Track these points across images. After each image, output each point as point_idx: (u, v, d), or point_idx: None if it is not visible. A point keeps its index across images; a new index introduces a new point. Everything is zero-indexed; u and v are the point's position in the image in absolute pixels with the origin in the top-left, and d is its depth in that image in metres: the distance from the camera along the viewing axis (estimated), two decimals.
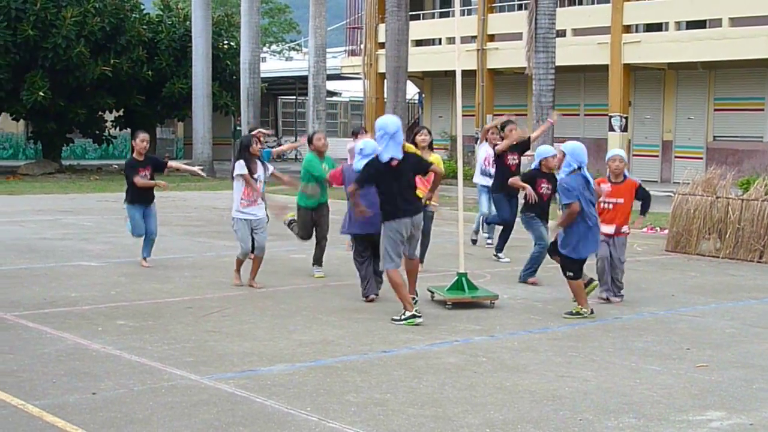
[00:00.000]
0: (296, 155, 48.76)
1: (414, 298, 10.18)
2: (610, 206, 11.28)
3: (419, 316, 9.80)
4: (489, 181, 15.44)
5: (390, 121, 10.15)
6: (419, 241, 10.94)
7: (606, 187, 11.11)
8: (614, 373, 7.96)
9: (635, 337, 9.40)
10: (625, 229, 11.41)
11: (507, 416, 6.73)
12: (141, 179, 13.25)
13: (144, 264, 13.42)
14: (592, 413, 6.83)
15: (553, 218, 11.86)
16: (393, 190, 9.96)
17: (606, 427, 6.53)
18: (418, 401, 7.04)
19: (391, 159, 9.94)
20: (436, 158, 12.59)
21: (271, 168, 12.06)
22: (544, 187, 12.42)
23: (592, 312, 10.34)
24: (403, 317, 9.81)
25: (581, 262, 10.42)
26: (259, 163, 11.78)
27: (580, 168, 10.32)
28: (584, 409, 6.93)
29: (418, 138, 13.01)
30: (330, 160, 12.77)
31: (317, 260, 12.82)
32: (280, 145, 50.89)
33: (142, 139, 13.40)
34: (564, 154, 10.42)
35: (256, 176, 11.67)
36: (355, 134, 14.69)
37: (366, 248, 11.06)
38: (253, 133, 13.33)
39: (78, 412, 6.62)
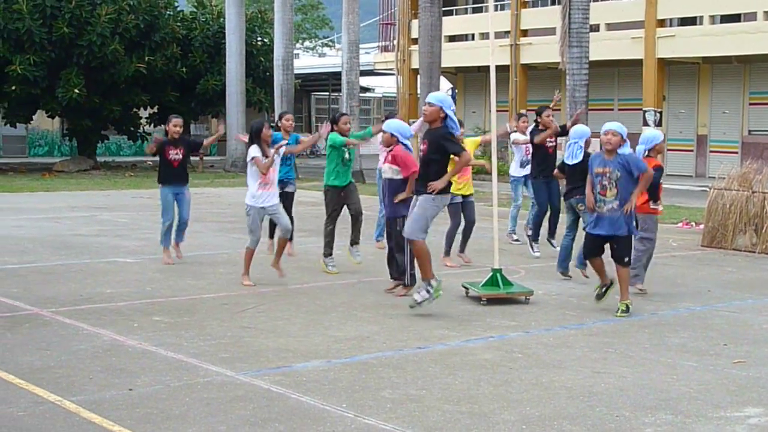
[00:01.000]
0: (310, 151, 48.63)
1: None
2: None
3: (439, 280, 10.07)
4: (527, 171, 15.49)
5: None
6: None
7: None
8: (651, 370, 7.91)
9: (671, 333, 9.34)
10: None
11: (543, 412, 6.70)
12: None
13: (177, 248, 13.47)
14: (629, 410, 6.79)
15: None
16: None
17: (643, 424, 6.49)
18: (454, 397, 7.03)
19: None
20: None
21: (282, 149, 12.10)
22: (549, 142, 13.56)
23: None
24: (430, 291, 9.89)
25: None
26: (269, 148, 11.85)
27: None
28: (621, 405, 6.89)
29: None
30: (355, 134, 12.82)
31: (355, 240, 12.79)
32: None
33: (174, 124, 13.39)
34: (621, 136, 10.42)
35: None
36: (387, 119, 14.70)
37: None
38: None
39: (115, 408, 6.66)
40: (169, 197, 13.38)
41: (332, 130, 12.88)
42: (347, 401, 6.88)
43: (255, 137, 11.76)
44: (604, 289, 10.55)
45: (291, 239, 13.83)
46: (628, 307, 10.14)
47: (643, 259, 11.45)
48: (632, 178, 10.18)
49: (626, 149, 10.39)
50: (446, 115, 10.02)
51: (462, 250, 13.73)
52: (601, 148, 10.42)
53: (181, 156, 13.41)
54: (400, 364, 7.98)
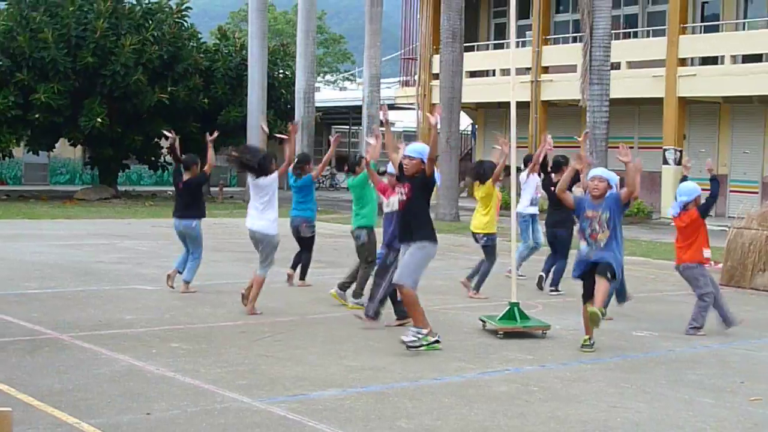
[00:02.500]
0: (330, 183, 48.82)
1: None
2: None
3: (439, 341, 9.81)
4: (536, 210, 15.55)
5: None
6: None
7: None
8: (667, 405, 7.91)
9: (688, 370, 9.33)
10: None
11: None
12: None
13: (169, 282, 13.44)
14: None
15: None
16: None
17: None
18: (469, 429, 7.04)
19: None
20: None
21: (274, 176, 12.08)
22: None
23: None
24: (423, 340, 9.70)
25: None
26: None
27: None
28: None
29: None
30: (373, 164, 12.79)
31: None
32: (333, 175, 51.21)
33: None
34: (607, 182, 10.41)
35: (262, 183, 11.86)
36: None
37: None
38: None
39: (133, 431, 6.70)
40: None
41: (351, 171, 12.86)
42: (363, 430, 6.91)
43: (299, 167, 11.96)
44: (591, 341, 10.40)
45: (305, 273, 13.98)
46: (603, 313, 10.01)
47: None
48: (620, 207, 10.21)
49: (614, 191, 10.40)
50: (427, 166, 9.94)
51: (470, 279, 13.80)
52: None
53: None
54: (415, 394, 8.00)
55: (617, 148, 11.75)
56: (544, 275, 14.46)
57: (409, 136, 55.47)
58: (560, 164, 14.20)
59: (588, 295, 10.13)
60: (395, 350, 9.74)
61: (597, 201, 10.22)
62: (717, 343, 10.85)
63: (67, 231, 22.26)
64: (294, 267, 14.30)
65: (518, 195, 14.23)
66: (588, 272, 10.17)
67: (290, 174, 13.82)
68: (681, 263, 11.55)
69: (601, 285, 9.99)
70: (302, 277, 14.26)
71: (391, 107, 45.59)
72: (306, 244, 14.21)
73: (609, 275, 9.99)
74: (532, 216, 15.57)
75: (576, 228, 10.83)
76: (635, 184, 10.20)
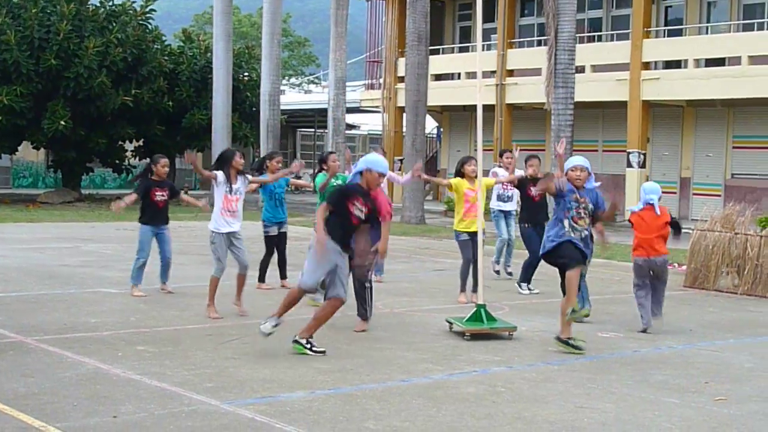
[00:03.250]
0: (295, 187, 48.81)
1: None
2: None
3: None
4: (507, 206, 15.73)
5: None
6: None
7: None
8: (633, 405, 7.96)
9: (654, 370, 9.39)
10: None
11: None
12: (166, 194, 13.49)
13: (165, 288, 13.50)
14: None
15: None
16: None
17: None
18: (437, 430, 7.05)
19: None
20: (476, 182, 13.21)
21: (249, 177, 12.19)
22: (533, 189, 13.62)
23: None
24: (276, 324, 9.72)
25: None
26: (239, 177, 11.94)
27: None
28: None
29: (468, 168, 13.32)
30: (343, 177, 12.81)
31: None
32: (299, 177, 51.19)
33: (163, 165, 13.50)
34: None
35: (235, 187, 11.83)
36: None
37: None
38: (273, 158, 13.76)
39: None
40: (149, 235, 13.42)
41: (321, 170, 13.05)
42: (331, 431, 6.90)
43: (223, 163, 11.82)
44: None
45: (285, 275, 14.01)
46: (574, 310, 10.18)
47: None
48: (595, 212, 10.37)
49: (592, 183, 10.53)
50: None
51: (474, 289, 13.75)
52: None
53: (166, 197, 13.50)
54: (383, 396, 8.01)
55: (583, 151, 11.89)
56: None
57: (374, 139, 55.63)
58: (529, 158, 14.80)
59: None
60: (363, 352, 9.76)
61: (581, 189, 10.35)
62: (682, 344, 10.93)
63: (30, 234, 22.10)
64: (283, 276, 14.53)
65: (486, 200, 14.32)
66: (568, 255, 10.25)
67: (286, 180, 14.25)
68: (662, 255, 11.66)
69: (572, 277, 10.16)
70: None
71: (357, 110, 45.74)
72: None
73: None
74: (503, 212, 15.78)
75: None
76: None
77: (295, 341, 9.66)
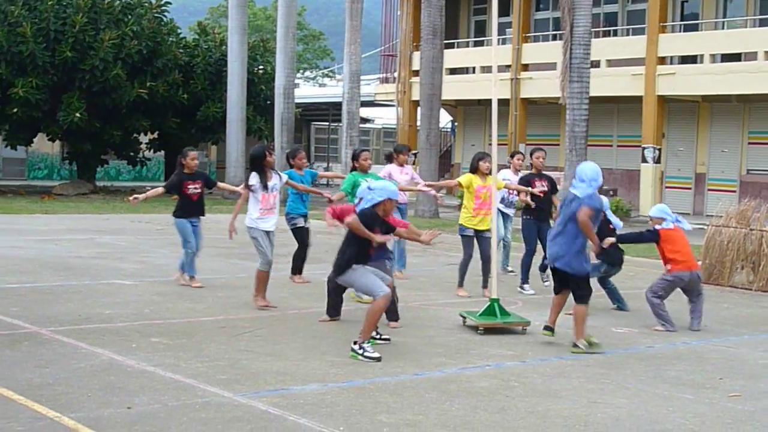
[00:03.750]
0: (328, 182, 48.96)
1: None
2: None
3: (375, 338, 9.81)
4: (508, 210, 15.65)
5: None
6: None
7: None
8: (647, 401, 7.94)
9: (668, 366, 9.38)
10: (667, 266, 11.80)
11: None
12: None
13: (195, 284, 13.44)
14: None
15: None
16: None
17: None
18: (450, 423, 7.06)
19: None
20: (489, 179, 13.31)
21: (285, 177, 12.28)
22: (538, 185, 13.90)
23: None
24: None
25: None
26: (273, 173, 12.00)
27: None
28: None
29: (483, 165, 13.32)
30: (375, 176, 12.81)
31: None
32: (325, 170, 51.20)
33: (192, 158, 13.59)
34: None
35: (270, 184, 11.89)
36: (388, 158, 14.88)
37: None
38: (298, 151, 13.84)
39: (113, 425, 6.69)
40: (187, 226, 13.48)
41: (354, 168, 13.12)
42: (344, 424, 6.91)
43: (256, 163, 11.88)
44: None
45: (300, 271, 13.97)
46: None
47: None
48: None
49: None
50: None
51: (485, 285, 13.71)
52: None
53: (199, 190, 13.53)
54: (396, 389, 8.02)
55: (597, 146, 11.93)
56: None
57: (388, 133, 55.63)
58: (534, 151, 14.73)
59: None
60: (377, 346, 9.73)
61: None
62: (696, 340, 10.91)
63: (46, 226, 22.16)
64: (298, 272, 14.48)
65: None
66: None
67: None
68: (699, 269, 11.91)
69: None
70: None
71: (371, 104, 45.71)
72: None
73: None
74: (502, 213, 15.60)
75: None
76: None
77: (353, 349, 9.34)
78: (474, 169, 13.56)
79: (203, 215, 13.83)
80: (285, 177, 12.47)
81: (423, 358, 9.33)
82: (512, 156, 15.96)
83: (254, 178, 11.86)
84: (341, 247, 9.74)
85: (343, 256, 9.64)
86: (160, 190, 13.64)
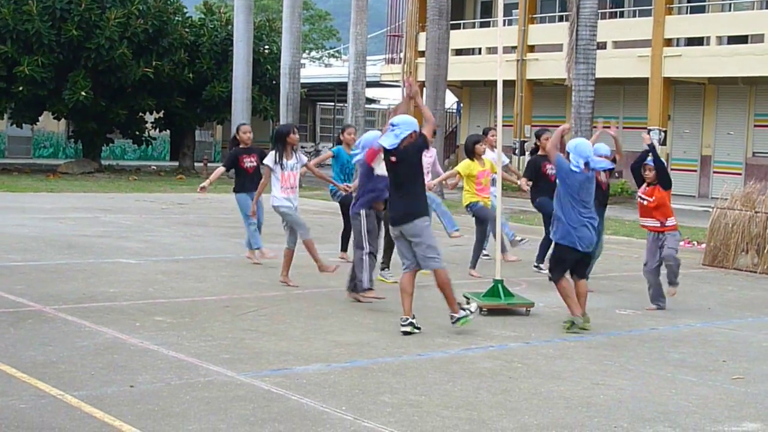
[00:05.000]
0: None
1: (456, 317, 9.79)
2: (645, 203, 11.65)
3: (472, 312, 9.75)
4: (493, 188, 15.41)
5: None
6: None
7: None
8: (649, 383, 7.94)
9: (671, 348, 9.38)
10: (670, 221, 11.62)
11: (541, 421, 6.73)
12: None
13: (268, 255, 13.44)
14: (627, 421, 6.82)
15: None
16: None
17: None
18: (453, 404, 7.06)
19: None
20: (487, 162, 13.57)
21: (304, 159, 12.31)
22: (549, 168, 13.35)
23: (585, 317, 10.13)
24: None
25: (571, 259, 10.22)
26: (293, 153, 12.07)
27: (587, 164, 10.15)
28: (619, 417, 6.93)
29: (479, 148, 13.38)
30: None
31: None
32: (318, 151, 51.20)
33: (245, 131, 13.76)
34: (569, 155, 10.27)
35: (290, 163, 12.01)
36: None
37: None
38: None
39: (116, 403, 6.70)
40: (247, 200, 13.46)
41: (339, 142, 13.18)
42: (347, 404, 6.92)
43: (279, 142, 11.94)
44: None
45: (346, 248, 13.99)
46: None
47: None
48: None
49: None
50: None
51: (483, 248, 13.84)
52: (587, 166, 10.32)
53: (255, 163, 13.55)
54: (399, 369, 8.02)
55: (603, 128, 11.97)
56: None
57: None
58: (542, 132, 14.32)
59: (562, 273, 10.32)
60: (380, 326, 9.76)
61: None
62: (699, 322, 10.90)
63: (51, 204, 22.18)
64: (344, 248, 14.40)
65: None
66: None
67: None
68: None
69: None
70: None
71: (377, 84, 45.62)
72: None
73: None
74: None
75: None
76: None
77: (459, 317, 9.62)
78: (470, 153, 13.56)
79: None
80: (305, 159, 12.46)
81: (426, 338, 9.33)
82: (485, 133, 15.39)
83: (269, 158, 11.92)
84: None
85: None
86: (221, 169, 13.73)
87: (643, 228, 11.91)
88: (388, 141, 9.55)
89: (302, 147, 49.81)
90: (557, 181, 10.27)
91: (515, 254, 14.10)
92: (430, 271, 9.76)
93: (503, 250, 13.54)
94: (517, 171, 15.79)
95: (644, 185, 11.73)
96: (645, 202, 11.64)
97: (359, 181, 11.32)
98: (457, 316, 9.60)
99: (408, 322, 9.45)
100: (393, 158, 9.58)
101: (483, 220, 13.57)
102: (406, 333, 9.36)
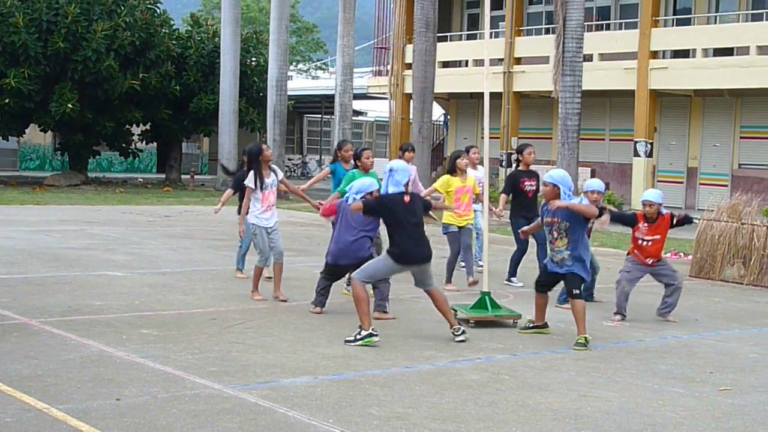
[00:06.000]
0: (302, 171, 49.05)
1: (459, 327, 9.97)
2: (649, 243, 11.63)
3: (375, 335, 9.49)
4: (476, 206, 15.07)
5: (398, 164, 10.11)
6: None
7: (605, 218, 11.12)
8: (637, 395, 7.94)
9: (658, 360, 9.38)
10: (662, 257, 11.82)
11: None
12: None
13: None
14: None
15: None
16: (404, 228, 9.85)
17: None
18: (440, 416, 7.05)
19: (404, 193, 9.90)
20: (470, 179, 13.63)
21: (281, 173, 12.23)
22: (527, 184, 13.69)
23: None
24: (358, 336, 9.49)
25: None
26: (270, 170, 12.01)
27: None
28: (606, 428, 6.92)
29: (461, 162, 13.35)
30: (374, 174, 12.58)
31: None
32: (305, 163, 51.17)
33: (266, 148, 13.08)
34: (554, 186, 10.23)
35: (268, 181, 11.92)
36: (403, 151, 14.48)
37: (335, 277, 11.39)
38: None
39: (102, 417, 6.67)
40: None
41: (356, 166, 12.74)
42: (334, 417, 6.90)
43: (253, 161, 11.86)
44: (531, 326, 10.53)
45: None
46: (586, 340, 9.92)
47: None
48: (582, 224, 10.18)
49: (574, 200, 10.31)
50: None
51: (469, 273, 13.74)
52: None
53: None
54: (387, 382, 8.01)
55: (589, 140, 11.94)
56: None
57: (380, 126, 55.57)
58: (525, 147, 14.27)
59: (541, 286, 10.40)
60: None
61: (552, 207, 10.21)
62: (686, 334, 10.91)
63: (37, 217, 22.11)
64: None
65: (491, 187, 14.13)
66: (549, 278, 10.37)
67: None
68: None
69: (577, 305, 10.05)
70: None
71: (364, 96, 45.67)
72: None
73: (576, 291, 10.13)
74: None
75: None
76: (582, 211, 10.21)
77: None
78: (452, 169, 13.55)
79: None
80: (281, 174, 12.36)
81: (414, 350, 9.32)
82: (467, 150, 14.92)
83: (251, 180, 11.82)
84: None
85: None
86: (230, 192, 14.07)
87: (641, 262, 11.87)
88: (397, 187, 9.89)
89: (289, 159, 49.86)
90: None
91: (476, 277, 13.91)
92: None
93: (468, 272, 13.60)
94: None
95: (642, 225, 11.70)
96: (649, 243, 11.65)
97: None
98: (460, 329, 9.91)
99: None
100: (407, 198, 9.89)
101: (455, 245, 13.58)
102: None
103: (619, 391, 8.06)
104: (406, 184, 10.01)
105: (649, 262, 11.71)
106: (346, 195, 11.01)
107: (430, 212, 10.94)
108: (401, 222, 9.77)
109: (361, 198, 10.42)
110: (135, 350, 8.77)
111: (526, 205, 13.99)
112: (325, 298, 11.26)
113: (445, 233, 13.70)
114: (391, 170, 9.89)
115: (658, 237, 11.62)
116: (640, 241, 11.70)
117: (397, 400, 7.42)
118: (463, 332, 9.88)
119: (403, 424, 6.80)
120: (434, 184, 13.97)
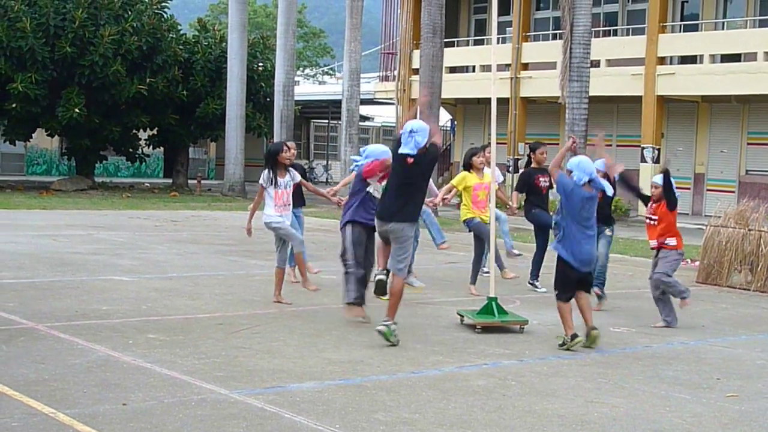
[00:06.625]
0: (327, 179, 49.06)
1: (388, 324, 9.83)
2: (654, 222, 11.76)
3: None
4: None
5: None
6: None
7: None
8: (644, 401, 7.93)
9: (665, 366, 9.36)
10: (670, 241, 11.62)
11: None
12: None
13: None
14: None
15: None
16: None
17: None
18: (447, 422, 7.04)
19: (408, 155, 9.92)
20: (487, 176, 13.35)
21: (298, 177, 12.22)
22: (542, 181, 13.69)
23: (575, 337, 9.96)
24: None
25: (573, 277, 10.11)
26: (287, 171, 12.02)
27: (591, 181, 10.18)
28: None
29: (477, 160, 13.35)
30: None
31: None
32: (312, 168, 51.12)
33: (286, 150, 12.97)
34: (570, 172, 10.26)
35: (283, 181, 11.93)
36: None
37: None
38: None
39: (109, 422, 6.67)
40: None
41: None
42: (340, 422, 6.89)
43: (270, 159, 11.90)
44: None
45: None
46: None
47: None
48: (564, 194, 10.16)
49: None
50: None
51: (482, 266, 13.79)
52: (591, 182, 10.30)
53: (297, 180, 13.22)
54: (393, 387, 8.00)
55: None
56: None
57: (387, 131, 55.56)
58: (539, 146, 14.24)
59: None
60: (374, 343, 9.72)
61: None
62: (693, 340, 10.89)
63: (44, 221, 22.14)
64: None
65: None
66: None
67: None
68: None
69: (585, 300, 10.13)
70: None
71: (371, 102, 45.68)
72: None
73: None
74: None
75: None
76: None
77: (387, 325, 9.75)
78: (468, 166, 13.57)
79: (304, 204, 14.01)
80: (298, 176, 12.36)
81: (420, 356, 9.31)
82: (483, 149, 15.19)
83: (263, 177, 11.88)
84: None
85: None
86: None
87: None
88: (409, 148, 9.88)
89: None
90: (561, 199, 10.21)
91: (514, 271, 14.01)
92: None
93: (501, 267, 13.54)
94: (505, 195, 15.47)
95: (649, 204, 11.83)
96: (654, 222, 11.72)
97: (351, 189, 11.31)
98: (387, 323, 9.69)
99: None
100: (410, 159, 9.85)
101: (480, 237, 13.48)
102: None
103: (626, 397, 8.04)
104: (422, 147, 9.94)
105: (653, 245, 11.77)
106: (359, 161, 11.18)
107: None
108: (394, 180, 9.99)
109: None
110: (141, 355, 8.77)
111: (540, 202, 14.03)
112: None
113: (470, 227, 13.63)
114: (411, 131, 9.94)
115: (656, 219, 11.67)
116: (647, 220, 11.93)
117: (403, 406, 7.41)
118: (388, 327, 9.68)
119: (409, 430, 6.79)
120: (452, 180, 14.00)
